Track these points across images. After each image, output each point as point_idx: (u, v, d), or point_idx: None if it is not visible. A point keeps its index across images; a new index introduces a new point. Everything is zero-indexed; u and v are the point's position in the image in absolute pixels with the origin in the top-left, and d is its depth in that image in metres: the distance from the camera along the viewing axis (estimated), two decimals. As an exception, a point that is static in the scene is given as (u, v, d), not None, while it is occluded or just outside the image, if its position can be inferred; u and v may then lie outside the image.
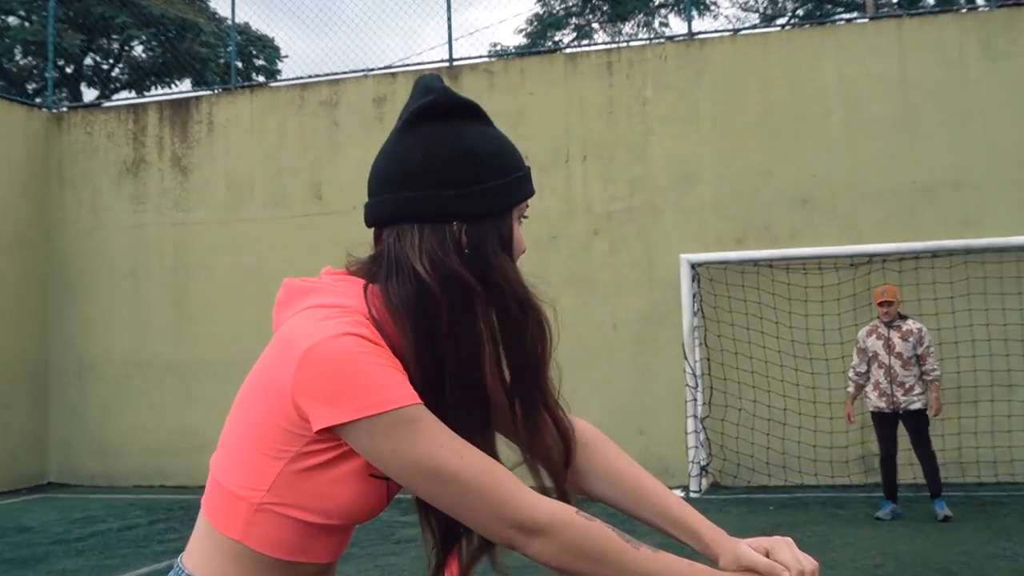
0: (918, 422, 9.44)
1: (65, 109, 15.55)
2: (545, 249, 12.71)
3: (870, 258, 11.79)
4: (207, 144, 14.26)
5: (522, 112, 13.05)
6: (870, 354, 9.55)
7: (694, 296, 12.13)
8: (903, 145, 11.97)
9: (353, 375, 1.57)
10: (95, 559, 8.88)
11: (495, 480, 1.61)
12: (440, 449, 1.59)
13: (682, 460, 11.93)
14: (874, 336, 9.56)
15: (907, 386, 9.38)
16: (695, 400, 11.92)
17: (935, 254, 11.60)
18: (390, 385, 1.59)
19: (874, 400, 9.51)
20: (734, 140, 12.46)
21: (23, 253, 14.27)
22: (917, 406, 9.40)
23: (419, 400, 1.60)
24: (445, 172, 1.69)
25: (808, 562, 1.72)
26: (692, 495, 11.50)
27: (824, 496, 11.05)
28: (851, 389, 9.80)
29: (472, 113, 1.74)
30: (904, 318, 9.61)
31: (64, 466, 14.41)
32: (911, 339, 9.41)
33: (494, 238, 1.71)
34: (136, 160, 14.53)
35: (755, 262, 12.15)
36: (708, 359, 12.28)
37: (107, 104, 16.82)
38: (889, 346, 9.43)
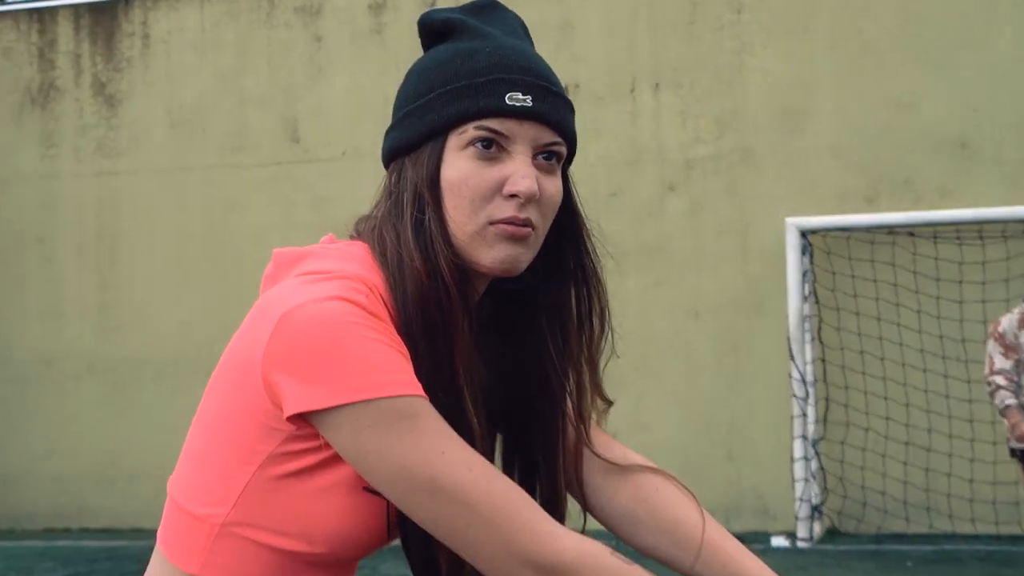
0: None
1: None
2: (602, 210, 12.09)
3: (1047, 225, 11.94)
4: (141, 65, 14.41)
5: (570, 25, 13.23)
6: (1022, 354, 8.65)
7: (805, 274, 12.23)
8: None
9: (339, 348, 1.61)
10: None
11: (509, 503, 1.65)
12: (442, 456, 1.63)
13: (787, 497, 12.06)
14: None
15: None
16: (805, 416, 12.01)
17: None
18: (385, 366, 1.63)
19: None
20: (862, 61, 12.55)
21: None
22: None
23: (421, 392, 1.65)
24: (397, 103, 1.87)
25: None
26: (800, 544, 11.69)
27: (984, 550, 11.11)
28: (1011, 401, 8.71)
29: (444, 31, 1.83)
30: None
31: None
32: None
33: (409, 180, 1.78)
34: (44, 86, 14.74)
35: (891, 228, 12.18)
36: (823, 360, 12.37)
37: (1, 8, 16.76)
38: None
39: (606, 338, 1.90)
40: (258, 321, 1.68)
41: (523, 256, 1.74)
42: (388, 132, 1.85)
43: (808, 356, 12.04)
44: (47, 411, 14.22)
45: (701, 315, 12.66)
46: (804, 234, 12.15)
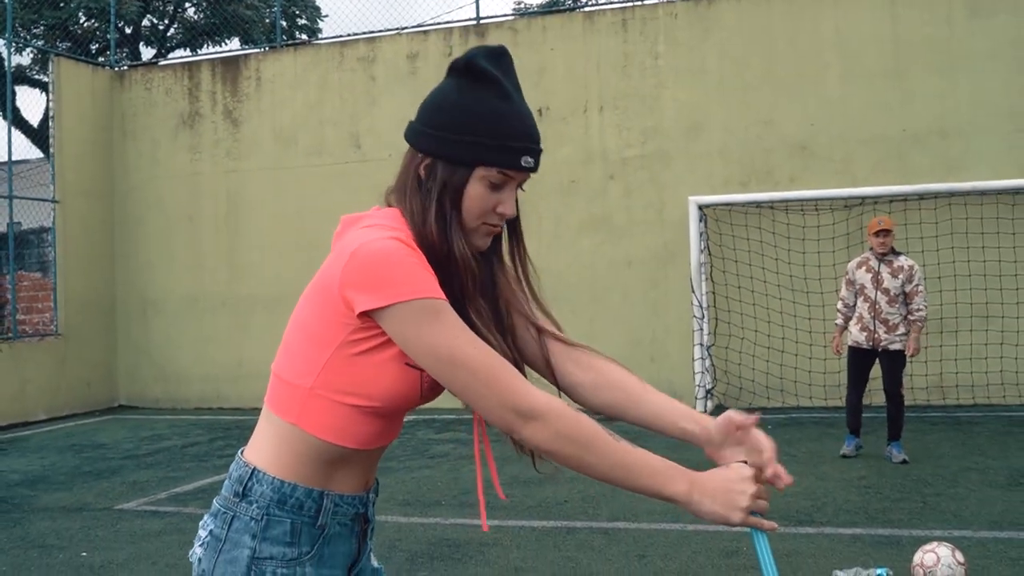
0: (894, 363, 8.53)
1: (126, 67, 15.78)
2: (565, 193, 12.97)
3: (863, 200, 11.93)
4: (255, 98, 14.42)
5: (544, 67, 13.18)
6: (857, 286, 8.66)
7: (701, 235, 12.29)
8: (894, 96, 12.06)
9: (391, 269, 1.69)
10: (162, 471, 9.31)
11: (500, 369, 1.71)
12: (456, 339, 1.70)
13: (689, 384, 12.14)
14: (863, 269, 8.64)
15: (890, 323, 8.47)
16: (702, 330, 12.11)
17: (922, 196, 11.75)
18: (420, 280, 1.70)
19: (854, 334, 8.64)
20: (739, 92, 12.54)
21: (92, 201, 14.58)
22: (897, 347, 8.49)
23: (444, 297, 1.72)
24: (433, 114, 1.84)
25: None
26: None
27: (817, 416, 11.28)
28: (839, 321, 8.88)
29: (485, 79, 1.83)
30: (898, 254, 8.61)
31: (132, 391, 14.83)
32: (901, 276, 8.46)
33: (439, 181, 1.82)
34: (191, 113, 14.71)
35: (757, 204, 12.30)
36: (714, 293, 12.46)
37: (164, 62, 16.97)
38: (877, 280, 8.51)
39: (530, 263, 2.02)
40: (336, 257, 1.77)
41: (490, 240, 1.91)
42: (428, 134, 1.85)
43: (703, 290, 12.15)
44: (194, 333, 14.46)
45: (633, 264, 12.76)
46: (701, 208, 12.22)
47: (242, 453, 1.91)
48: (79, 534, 6.90)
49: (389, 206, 1.90)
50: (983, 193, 11.56)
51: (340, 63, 14.12)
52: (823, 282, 11.89)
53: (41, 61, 22.23)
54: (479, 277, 1.87)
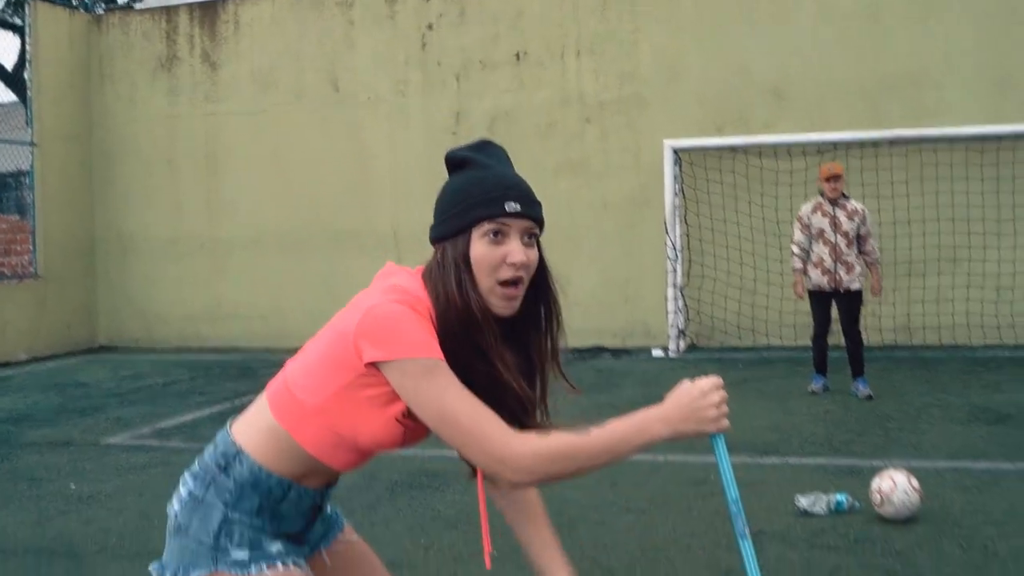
0: (854, 302, 8.88)
1: (103, 11, 15.77)
2: (543, 136, 13.12)
3: (835, 145, 12.07)
4: (234, 41, 14.42)
5: (521, 11, 13.24)
6: (814, 231, 8.91)
7: (676, 179, 12.45)
8: (868, 43, 12.17)
9: (397, 329, 1.90)
10: (145, 408, 9.50)
11: (483, 423, 1.89)
12: (446, 394, 1.89)
13: (663, 324, 12.42)
14: (819, 213, 8.90)
15: (849, 264, 8.77)
16: (675, 271, 12.34)
17: (893, 142, 11.91)
18: (421, 342, 1.90)
19: (815, 278, 8.91)
20: (715, 38, 12.61)
21: (70, 144, 14.58)
22: (857, 286, 8.82)
23: (441, 356, 1.91)
24: (436, 211, 2.07)
25: None
26: (671, 355, 12.08)
27: (787, 355, 11.49)
28: (798, 265, 9.09)
29: (465, 163, 2.07)
30: (847, 198, 8.92)
31: (112, 332, 14.96)
32: (856, 218, 8.78)
33: (450, 257, 2.01)
34: (169, 57, 14.70)
35: (732, 148, 12.43)
36: (688, 235, 12.64)
37: (141, 6, 16.93)
38: (835, 224, 8.80)
39: (562, 332, 2.13)
40: (354, 310, 1.99)
41: (515, 303, 2.03)
42: (434, 227, 2.06)
43: (677, 232, 12.35)
44: (174, 274, 14.55)
45: (608, 207, 12.93)
46: (676, 152, 12.34)
47: (230, 427, 2.14)
48: (67, 467, 7.09)
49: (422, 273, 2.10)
50: (952, 140, 11.74)
51: (318, 7, 14.10)
52: (794, 225, 12.00)
53: (15, 4, 22.05)
54: (498, 330, 2.02)
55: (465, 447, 1.91)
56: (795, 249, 9.11)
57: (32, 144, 14.08)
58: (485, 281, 2.00)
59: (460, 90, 13.40)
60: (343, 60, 13.96)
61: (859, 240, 8.85)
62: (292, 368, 2.08)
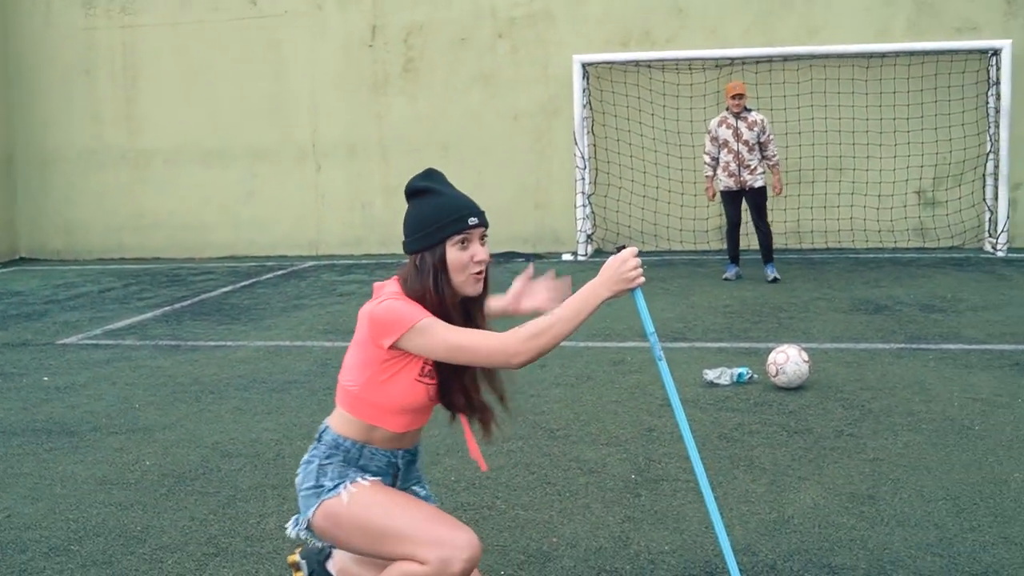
0: (758, 198, 10.25)
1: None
2: (455, 50, 13.64)
3: (732, 61, 12.84)
4: None
5: None
6: (720, 141, 10.20)
7: (584, 92, 13.03)
8: (763, -38, 12.86)
9: (393, 314, 2.67)
10: (89, 313, 9.91)
11: (479, 339, 2.63)
12: (448, 335, 2.65)
13: (572, 230, 13.17)
14: (724, 126, 10.19)
15: (752, 167, 10.11)
16: (583, 180, 13.02)
17: (786, 58, 12.72)
18: (411, 313, 2.66)
19: (724, 180, 10.25)
20: None
21: (-17, 53, 14.45)
22: (760, 184, 10.20)
23: (430, 316, 2.67)
24: (408, 228, 2.79)
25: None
26: (580, 258, 12.88)
27: (688, 258, 12.44)
28: (708, 172, 10.41)
29: (424, 191, 2.78)
30: (749, 110, 10.20)
31: (33, 243, 15.13)
32: (756, 128, 10.09)
33: (428, 263, 2.75)
34: None
35: (636, 63, 13.06)
36: (595, 146, 13.31)
37: None
38: (737, 134, 10.10)
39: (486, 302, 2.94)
40: (362, 320, 2.76)
41: (481, 285, 2.81)
42: (410, 241, 2.77)
43: (585, 143, 12.93)
44: (95, 185, 14.67)
45: (519, 118, 13.46)
46: (584, 66, 12.88)
47: (327, 422, 2.96)
48: (32, 363, 7.58)
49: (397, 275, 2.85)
50: (841, 56, 12.61)
51: (234, -82, 14.09)
52: (694, 136, 12.85)
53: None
54: (459, 311, 2.80)
55: (475, 360, 2.65)
56: (706, 158, 10.42)
57: (-55, 55, 13.96)
58: (459, 276, 2.75)
59: (376, 4, 13.76)
60: (259, -27, 14.07)
61: (760, 147, 10.20)
62: (342, 373, 2.89)
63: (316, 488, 2.83)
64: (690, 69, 13.05)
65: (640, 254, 2.75)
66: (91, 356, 7.78)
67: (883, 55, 12.58)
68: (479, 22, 13.60)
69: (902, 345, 7.22)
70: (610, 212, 13.38)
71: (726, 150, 10.22)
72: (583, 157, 12.99)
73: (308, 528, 2.86)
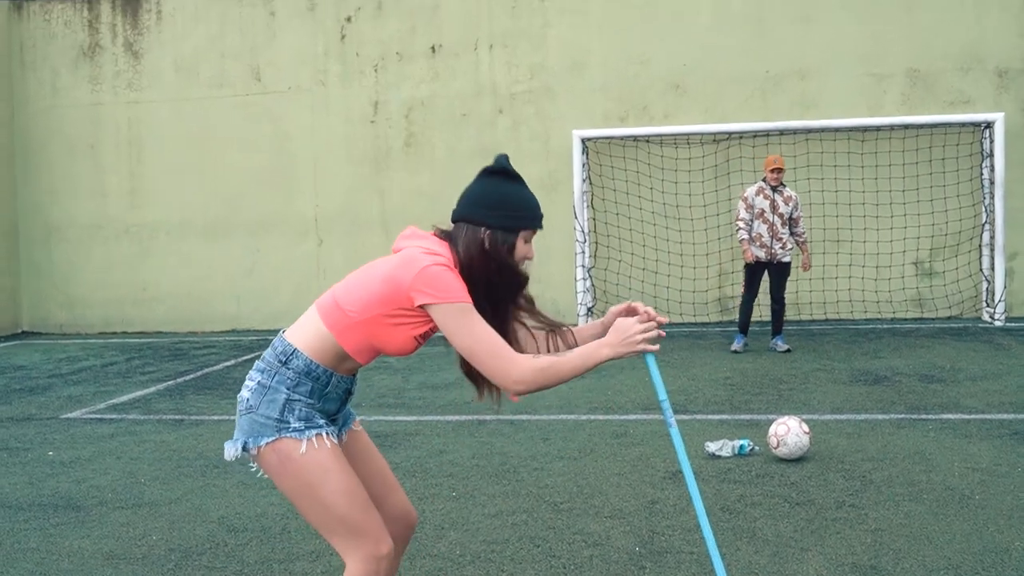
0: (783, 272, 10.49)
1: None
2: (457, 125, 13.82)
3: (729, 135, 13.04)
4: (156, 31, 14.69)
5: (438, 5, 13.89)
6: (756, 211, 10.36)
7: (583, 166, 13.21)
8: (758, 41, 13.17)
9: (443, 282, 2.65)
10: (93, 387, 9.96)
11: (499, 348, 2.64)
12: (475, 327, 2.65)
13: (572, 302, 13.23)
14: (761, 196, 10.37)
15: (783, 241, 10.35)
16: (583, 253, 13.15)
17: (782, 132, 12.94)
18: (459, 290, 2.66)
19: (754, 250, 10.36)
20: (619, 33, 13.45)
21: (-8, 129, 14.64)
22: (787, 259, 10.44)
23: (471, 302, 2.68)
24: (487, 201, 2.79)
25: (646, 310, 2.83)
26: None
27: (688, 330, 12.55)
28: (744, 236, 10.40)
29: (513, 177, 2.83)
30: (784, 185, 10.46)
31: (36, 317, 15.19)
32: (791, 204, 10.37)
33: (501, 242, 2.78)
34: (91, 45, 14.89)
35: (635, 138, 13.26)
36: (594, 219, 13.45)
37: None
38: (774, 206, 10.32)
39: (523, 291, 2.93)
40: (408, 264, 2.69)
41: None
42: (477, 210, 2.78)
43: (585, 216, 13.10)
44: (98, 259, 14.79)
45: None
46: (583, 141, 13.05)
47: (284, 334, 2.88)
48: (37, 438, 7.61)
49: (441, 231, 2.86)
50: (836, 130, 12.83)
51: (240, -2, 14.46)
52: (693, 209, 13.05)
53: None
54: (522, 287, 2.90)
55: (483, 364, 2.64)
56: (741, 224, 10.50)
57: (-48, 131, 14.11)
58: (520, 260, 2.85)
59: (378, 80, 14.01)
60: (265, 50, 14.37)
61: (791, 222, 10.47)
62: (340, 290, 2.80)
63: (279, 422, 2.77)
64: (688, 143, 13.25)
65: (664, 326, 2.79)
66: (95, 431, 7.82)
67: (877, 128, 12.79)
68: (480, 98, 13.80)
69: (902, 415, 7.29)
70: (610, 285, 13.47)
71: (761, 220, 10.41)
72: (583, 230, 13.13)
73: (247, 451, 2.82)
